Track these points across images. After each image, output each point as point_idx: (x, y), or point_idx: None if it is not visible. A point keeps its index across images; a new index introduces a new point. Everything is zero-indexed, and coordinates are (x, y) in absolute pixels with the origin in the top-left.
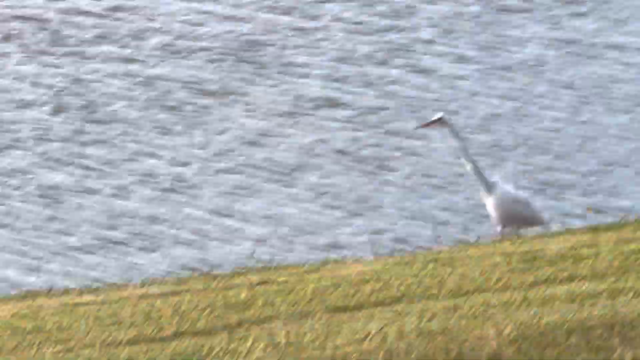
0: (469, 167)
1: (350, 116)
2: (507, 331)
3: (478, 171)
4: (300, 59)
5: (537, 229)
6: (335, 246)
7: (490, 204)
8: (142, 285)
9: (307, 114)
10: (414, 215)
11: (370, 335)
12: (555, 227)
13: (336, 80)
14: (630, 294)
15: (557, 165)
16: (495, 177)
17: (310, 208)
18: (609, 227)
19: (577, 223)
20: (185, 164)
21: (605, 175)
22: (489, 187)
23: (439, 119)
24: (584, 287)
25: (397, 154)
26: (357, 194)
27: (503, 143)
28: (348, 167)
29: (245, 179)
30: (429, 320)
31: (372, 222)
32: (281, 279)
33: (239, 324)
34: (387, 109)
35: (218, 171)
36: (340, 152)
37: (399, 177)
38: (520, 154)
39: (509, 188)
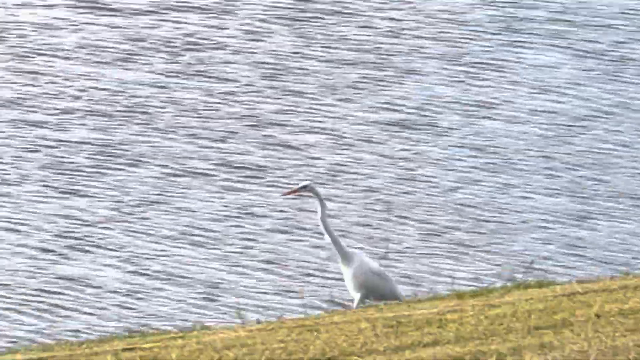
0: (326, 237)
1: None
2: None
3: (336, 241)
4: None
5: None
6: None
7: (347, 275)
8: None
9: None
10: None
11: None
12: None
13: None
14: (494, 357)
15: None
16: (356, 248)
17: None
18: (474, 293)
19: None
20: None
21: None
22: (347, 258)
23: (304, 187)
24: (448, 351)
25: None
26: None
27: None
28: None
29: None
30: None
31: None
32: (147, 345)
33: None
34: None
35: None
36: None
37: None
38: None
39: (368, 260)
